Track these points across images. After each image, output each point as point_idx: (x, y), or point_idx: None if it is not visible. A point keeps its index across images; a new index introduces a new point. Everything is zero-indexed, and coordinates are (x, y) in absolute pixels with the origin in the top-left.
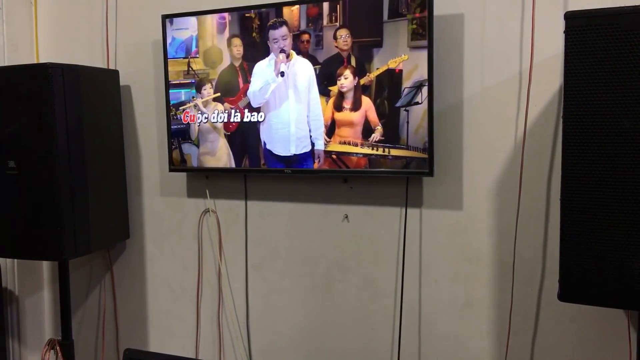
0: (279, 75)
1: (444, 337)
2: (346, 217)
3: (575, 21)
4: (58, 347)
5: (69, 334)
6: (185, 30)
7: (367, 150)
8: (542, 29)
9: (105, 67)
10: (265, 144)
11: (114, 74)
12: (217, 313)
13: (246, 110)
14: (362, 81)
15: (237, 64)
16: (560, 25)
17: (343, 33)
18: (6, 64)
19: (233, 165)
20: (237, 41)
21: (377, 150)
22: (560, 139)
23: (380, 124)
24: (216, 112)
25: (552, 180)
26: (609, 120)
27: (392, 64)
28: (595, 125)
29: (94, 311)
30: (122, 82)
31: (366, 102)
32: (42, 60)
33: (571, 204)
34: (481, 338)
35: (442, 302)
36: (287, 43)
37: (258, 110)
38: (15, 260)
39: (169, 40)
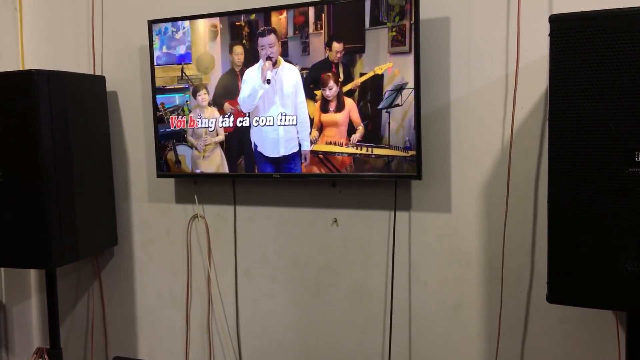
0: (265, 82)
1: (435, 339)
2: (335, 221)
3: (559, 24)
4: (46, 356)
5: (57, 342)
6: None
7: (351, 150)
8: (527, 32)
9: (92, 73)
10: (256, 146)
11: (100, 80)
12: (206, 319)
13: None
14: (348, 87)
15: (237, 69)
16: (546, 28)
17: (338, 47)
18: None
19: (226, 167)
20: (238, 49)
21: (360, 149)
22: (547, 141)
23: (362, 124)
24: (210, 116)
25: (540, 181)
26: (594, 121)
27: (378, 70)
28: (581, 126)
29: (83, 319)
30: (108, 88)
31: (349, 102)
32: (28, 67)
33: (558, 205)
34: (471, 340)
35: (432, 305)
36: (275, 50)
37: (249, 114)
38: (2, 268)
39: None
